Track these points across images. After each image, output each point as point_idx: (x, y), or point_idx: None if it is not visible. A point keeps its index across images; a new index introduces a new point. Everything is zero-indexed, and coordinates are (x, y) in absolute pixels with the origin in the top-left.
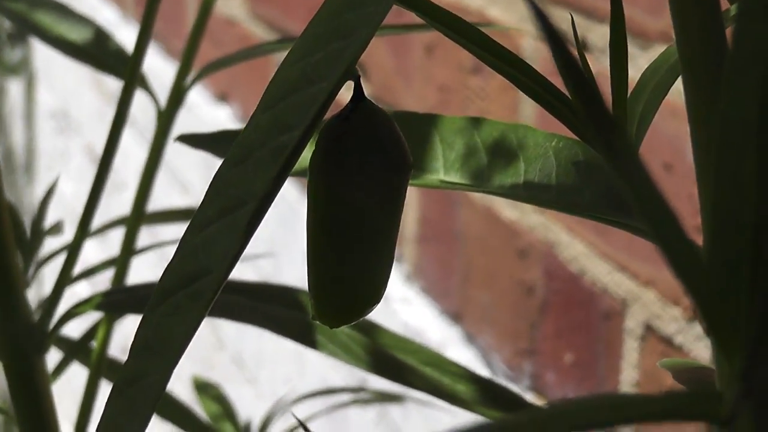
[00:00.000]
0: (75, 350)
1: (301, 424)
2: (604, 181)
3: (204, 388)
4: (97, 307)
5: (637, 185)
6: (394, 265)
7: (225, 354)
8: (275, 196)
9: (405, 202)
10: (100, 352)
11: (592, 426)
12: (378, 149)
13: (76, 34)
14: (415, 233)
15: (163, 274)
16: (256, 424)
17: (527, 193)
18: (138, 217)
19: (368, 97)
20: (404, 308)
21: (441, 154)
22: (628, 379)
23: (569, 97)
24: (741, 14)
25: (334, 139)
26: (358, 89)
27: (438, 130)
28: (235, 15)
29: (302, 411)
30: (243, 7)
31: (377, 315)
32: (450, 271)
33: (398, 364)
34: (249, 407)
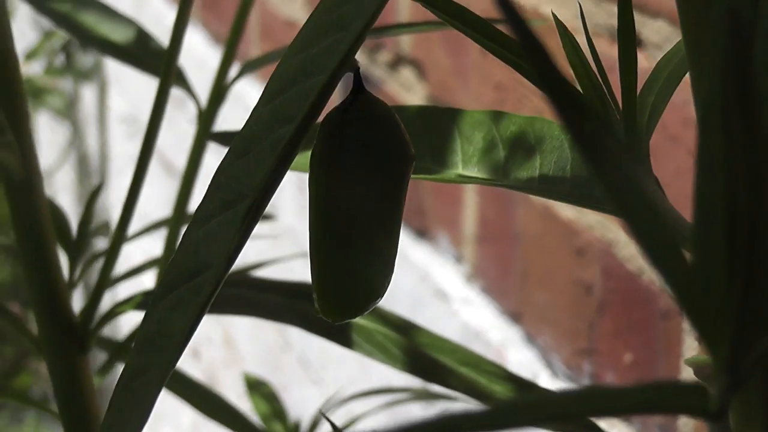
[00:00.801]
0: (120, 350)
1: (335, 428)
2: None
3: (256, 387)
4: (138, 307)
5: (606, 173)
6: (454, 265)
7: (291, 355)
8: (275, 189)
9: (407, 194)
10: None
11: (574, 416)
12: (377, 141)
13: (118, 35)
14: (474, 233)
15: (166, 269)
16: (306, 424)
17: (542, 186)
18: (179, 217)
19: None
20: (465, 309)
21: (460, 148)
22: (688, 379)
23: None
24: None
25: (333, 131)
26: (357, 81)
27: (458, 124)
28: (296, 17)
29: (364, 410)
30: (304, 9)
31: (439, 316)
32: (509, 271)
33: (435, 364)
34: (314, 408)
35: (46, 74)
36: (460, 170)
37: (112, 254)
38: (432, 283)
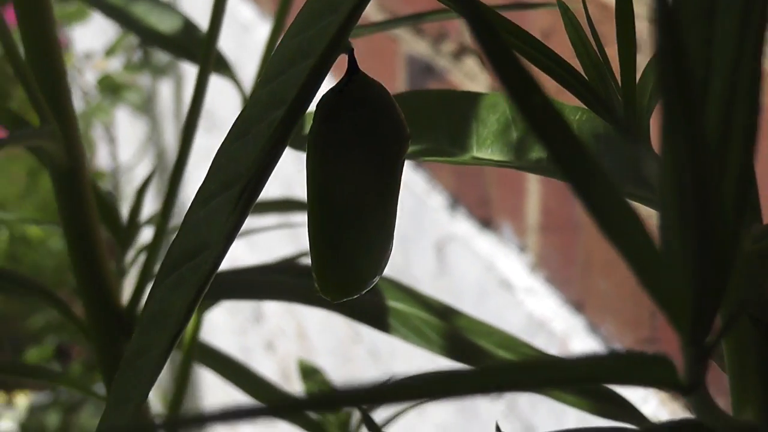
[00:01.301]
0: None
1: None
2: (622, 154)
3: (309, 374)
4: None
5: (555, 147)
6: (518, 255)
7: (362, 347)
8: (271, 170)
9: (402, 175)
10: (191, 337)
11: (536, 385)
12: (371, 121)
13: (165, 25)
14: (537, 223)
15: (169, 249)
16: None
17: (551, 166)
18: None
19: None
20: (529, 298)
21: (475, 130)
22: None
23: (583, 75)
24: None
25: (328, 112)
26: (351, 62)
27: (474, 107)
28: (366, 9)
29: (436, 403)
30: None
31: (503, 306)
32: (572, 261)
33: (472, 347)
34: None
35: (124, 70)
36: (475, 153)
37: (156, 241)
38: (496, 273)
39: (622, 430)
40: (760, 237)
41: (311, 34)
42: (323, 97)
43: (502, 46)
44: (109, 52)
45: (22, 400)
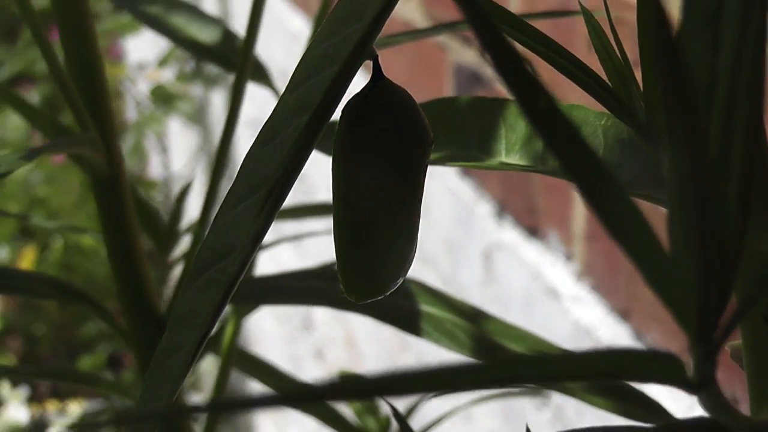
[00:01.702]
0: (208, 342)
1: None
2: (645, 158)
3: None
4: None
5: (562, 150)
6: (565, 263)
7: (410, 354)
8: (298, 174)
9: (426, 176)
10: (230, 342)
11: (542, 380)
12: (395, 125)
13: (206, 35)
14: (584, 231)
15: (199, 250)
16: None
17: None
18: None
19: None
20: (575, 306)
21: (504, 136)
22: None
23: (606, 81)
24: None
25: (353, 116)
26: (376, 68)
27: (503, 113)
28: (412, 18)
29: (483, 410)
30: (419, 10)
31: (550, 314)
32: (618, 269)
33: (503, 351)
34: (432, 405)
35: (177, 80)
36: (503, 158)
37: (195, 248)
38: (543, 281)
39: (637, 428)
40: None
41: (337, 41)
42: (348, 102)
43: (508, 50)
44: (162, 62)
45: (75, 408)
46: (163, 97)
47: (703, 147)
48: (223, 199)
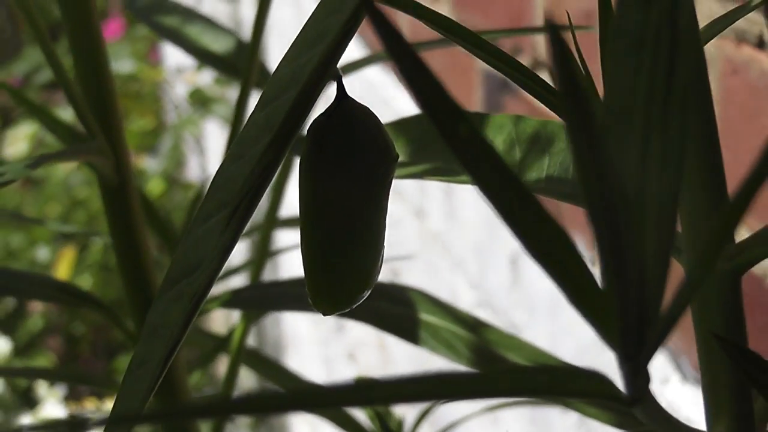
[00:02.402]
0: (220, 344)
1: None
2: None
3: None
4: (224, 304)
5: (481, 176)
6: (590, 267)
7: (440, 358)
8: (264, 190)
9: (389, 193)
10: (238, 344)
11: (470, 396)
12: (358, 143)
13: (218, 45)
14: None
15: (171, 264)
16: (410, 423)
17: (547, 186)
18: (271, 222)
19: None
20: None
21: None
22: None
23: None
24: None
25: (317, 135)
26: (340, 88)
27: (484, 128)
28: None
29: (510, 415)
30: (449, 14)
31: (575, 319)
32: None
33: (501, 361)
34: (462, 410)
35: (215, 84)
36: None
37: None
38: None
39: None
40: (733, 255)
41: (302, 62)
42: (313, 122)
43: (428, 78)
44: (200, 66)
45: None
46: (200, 100)
47: (613, 179)
48: (194, 215)
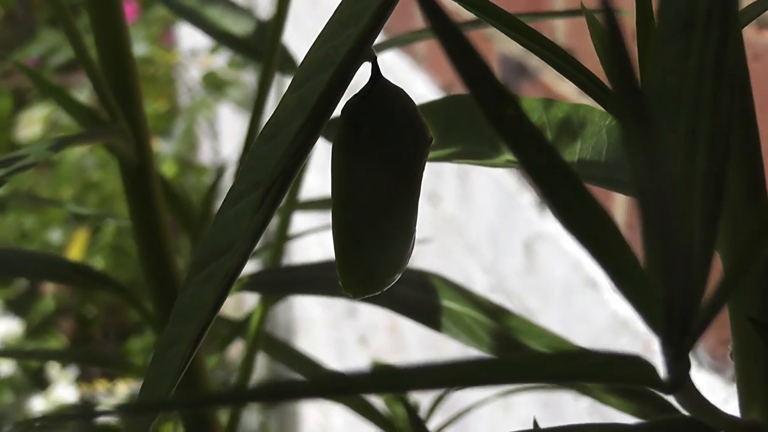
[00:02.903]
0: (237, 329)
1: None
2: None
3: None
4: (243, 288)
5: (528, 158)
6: None
7: (453, 342)
8: (296, 172)
9: (422, 176)
10: (256, 329)
11: (514, 381)
12: (392, 126)
13: (239, 27)
14: (624, 220)
15: (201, 245)
16: (425, 407)
17: (580, 170)
18: (291, 204)
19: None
20: (614, 297)
21: None
22: None
23: (601, 80)
24: None
25: (352, 116)
26: (375, 69)
27: None
28: (457, 7)
29: (522, 399)
30: None
31: (589, 304)
32: None
33: (521, 348)
34: (475, 394)
35: (229, 67)
36: (510, 156)
37: None
38: (583, 271)
39: (617, 426)
40: None
41: (337, 44)
42: (347, 103)
43: (475, 59)
44: (214, 49)
45: (123, 389)
46: (214, 84)
47: (663, 164)
48: (225, 196)
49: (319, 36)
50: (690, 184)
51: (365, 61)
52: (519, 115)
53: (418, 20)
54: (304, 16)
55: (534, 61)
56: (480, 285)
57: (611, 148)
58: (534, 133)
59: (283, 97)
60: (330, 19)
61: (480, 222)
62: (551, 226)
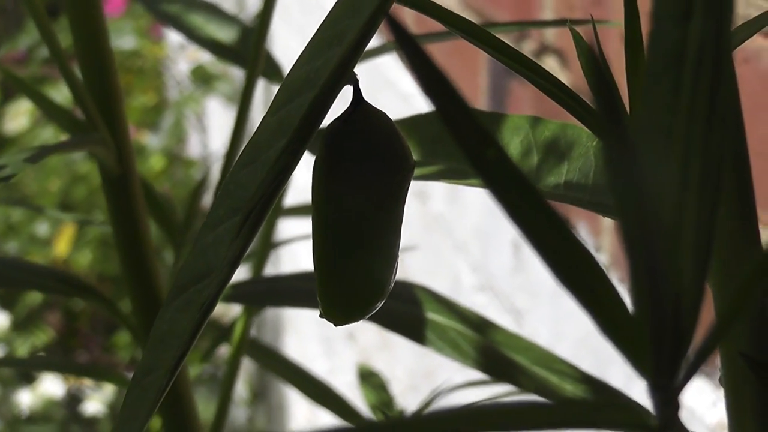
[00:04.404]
0: (222, 335)
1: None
2: None
3: (367, 377)
4: (225, 299)
5: (509, 201)
6: (593, 254)
7: None
8: (276, 196)
9: (405, 202)
10: (240, 336)
11: (509, 429)
12: (375, 150)
13: (223, 33)
14: (613, 223)
15: (179, 271)
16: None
17: (566, 193)
18: (275, 213)
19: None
20: None
21: None
22: None
23: (584, 100)
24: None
25: (332, 141)
26: (356, 92)
27: (499, 129)
28: (448, 4)
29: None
30: (457, 1)
31: (578, 306)
32: None
33: (506, 362)
34: (459, 391)
35: (218, 61)
36: None
37: None
38: None
39: None
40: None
41: (318, 65)
42: (328, 126)
43: (456, 100)
44: None
45: (110, 384)
46: (202, 78)
47: (651, 210)
48: (204, 221)
49: (301, 55)
50: (680, 224)
51: (347, 84)
52: (501, 158)
53: (408, 22)
54: (292, 8)
55: None
56: (468, 283)
57: (598, 171)
58: (517, 177)
59: (262, 120)
60: (313, 36)
61: (468, 220)
62: None
